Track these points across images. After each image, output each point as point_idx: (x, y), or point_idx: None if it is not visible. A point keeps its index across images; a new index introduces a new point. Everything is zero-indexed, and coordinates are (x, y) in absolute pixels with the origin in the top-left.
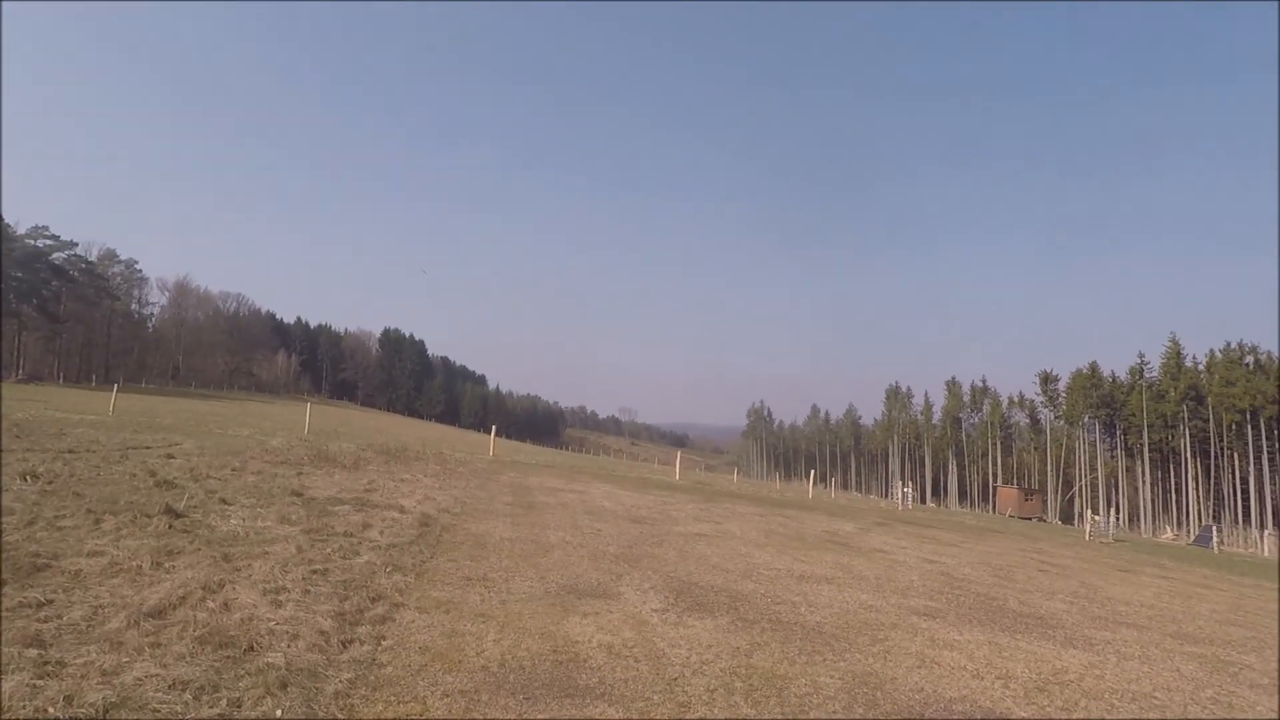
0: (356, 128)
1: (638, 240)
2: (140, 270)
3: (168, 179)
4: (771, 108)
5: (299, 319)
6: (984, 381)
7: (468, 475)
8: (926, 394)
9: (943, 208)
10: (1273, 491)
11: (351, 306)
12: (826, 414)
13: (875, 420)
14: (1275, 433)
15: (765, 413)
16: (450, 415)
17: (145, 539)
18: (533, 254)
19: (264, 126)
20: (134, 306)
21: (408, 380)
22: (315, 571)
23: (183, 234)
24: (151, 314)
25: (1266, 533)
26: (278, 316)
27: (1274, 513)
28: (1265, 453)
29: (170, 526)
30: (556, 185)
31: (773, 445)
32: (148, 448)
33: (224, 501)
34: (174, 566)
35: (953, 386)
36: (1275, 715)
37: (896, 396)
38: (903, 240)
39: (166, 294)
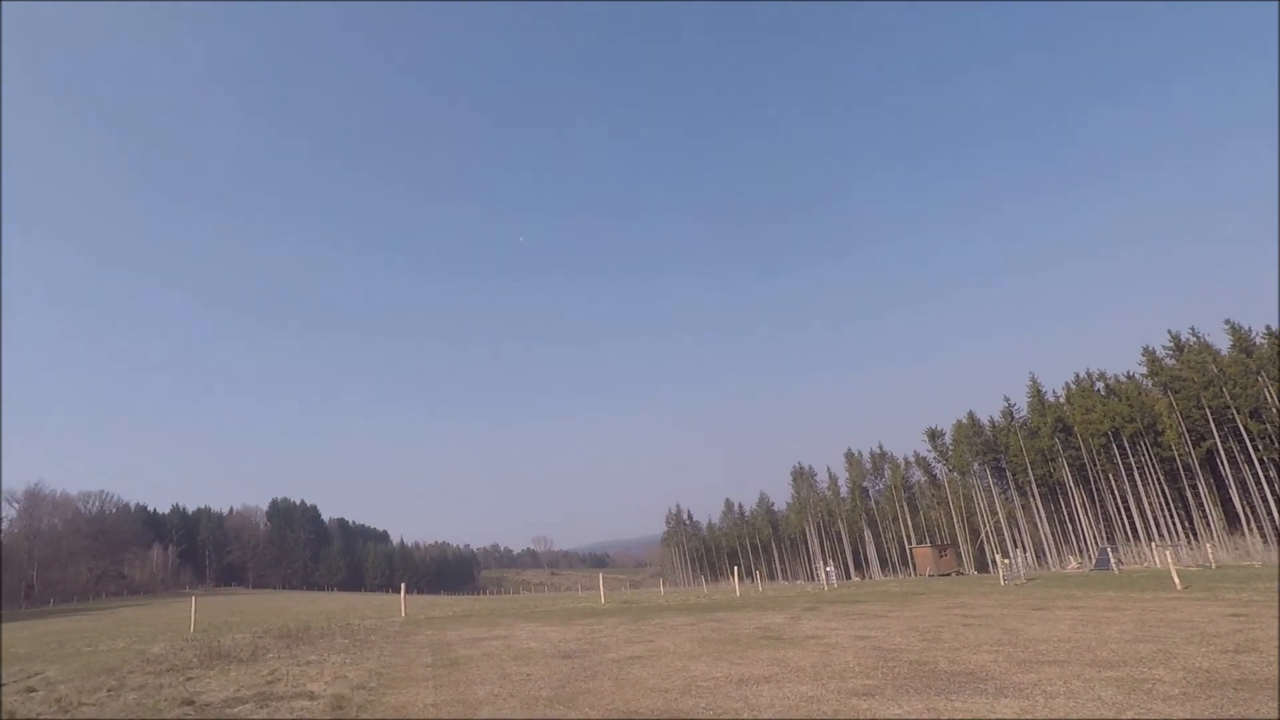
0: (207, 292)
1: (533, 365)
2: None
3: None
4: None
5: (175, 506)
6: (880, 447)
7: (380, 642)
8: (829, 469)
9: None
10: (1149, 504)
11: (235, 482)
12: (740, 506)
13: (787, 504)
14: (1138, 447)
15: (685, 516)
16: (354, 581)
17: None
18: (422, 393)
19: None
20: None
21: (303, 551)
22: None
23: (33, 435)
24: None
25: (1154, 545)
26: (150, 509)
27: (1155, 524)
28: (1134, 469)
29: None
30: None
31: (695, 548)
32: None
33: None
34: None
35: (853, 457)
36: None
37: (802, 476)
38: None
39: (15, 505)
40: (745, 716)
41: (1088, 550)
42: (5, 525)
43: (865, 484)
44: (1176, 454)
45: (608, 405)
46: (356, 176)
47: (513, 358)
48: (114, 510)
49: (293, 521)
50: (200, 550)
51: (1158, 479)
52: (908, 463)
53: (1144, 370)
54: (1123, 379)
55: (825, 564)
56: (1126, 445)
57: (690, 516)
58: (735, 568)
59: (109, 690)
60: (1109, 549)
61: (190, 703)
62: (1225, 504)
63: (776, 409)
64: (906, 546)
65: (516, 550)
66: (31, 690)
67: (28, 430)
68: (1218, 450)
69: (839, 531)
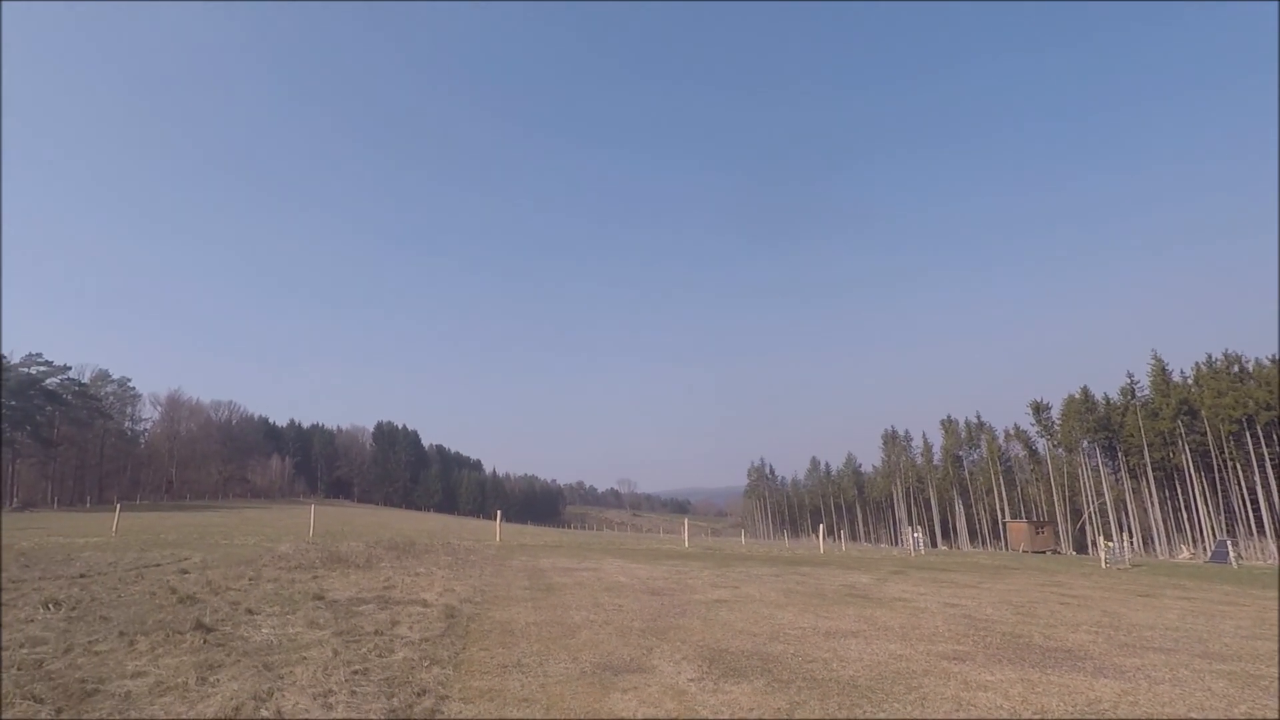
0: (329, 222)
1: (627, 314)
2: (133, 387)
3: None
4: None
5: (292, 421)
6: (979, 417)
7: (480, 563)
8: (924, 435)
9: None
10: None
11: (344, 402)
12: (826, 465)
13: (875, 467)
14: (1274, 438)
15: (767, 470)
16: (448, 504)
17: (183, 656)
18: (521, 334)
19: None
20: (126, 424)
21: (403, 472)
22: (356, 672)
23: (176, 345)
24: (144, 430)
25: None
26: (270, 420)
27: None
28: (1267, 460)
29: (204, 641)
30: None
31: (777, 502)
32: (159, 565)
33: (250, 611)
34: (219, 680)
35: (949, 425)
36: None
37: (894, 440)
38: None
39: (159, 408)
40: (834, 666)
41: (1203, 541)
42: (149, 427)
43: (959, 453)
44: None
45: (695, 358)
46: (491, 122)
47: (601, 302)
48: (239, 420)
49: (395, 444)
50: (313, 464)
51: None
52: (1008, 435)
53: None
54: (1264, 362)
55: (912, 530)
56: (1260, 434)
57: (772, 470)
58: (821, 525)
59: (249, 579)
60: (1228, 541)
61: (320, 598)
62: None
63: (865, 372)
64: (999, 520)
65: (601, 489)
66: (185, 571)
67: (168, 342)
68: None
69: (928, 499)
